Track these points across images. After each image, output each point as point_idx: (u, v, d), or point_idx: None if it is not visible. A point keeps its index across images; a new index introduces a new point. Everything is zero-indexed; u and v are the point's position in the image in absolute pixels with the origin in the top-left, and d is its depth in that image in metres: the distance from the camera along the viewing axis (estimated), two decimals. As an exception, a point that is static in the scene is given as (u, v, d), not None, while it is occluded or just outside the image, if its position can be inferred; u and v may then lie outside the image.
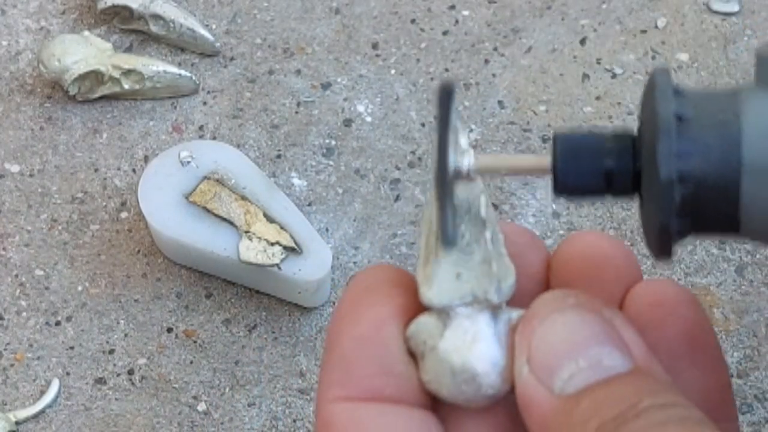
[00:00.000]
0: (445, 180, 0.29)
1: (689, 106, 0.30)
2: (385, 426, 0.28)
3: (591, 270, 0.30)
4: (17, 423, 0.64)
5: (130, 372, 0.65)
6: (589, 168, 0.30)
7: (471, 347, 0.28)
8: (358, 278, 0.30)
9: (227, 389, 0.65)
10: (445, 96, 0.29)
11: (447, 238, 0.29)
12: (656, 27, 0.78)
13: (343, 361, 0.28)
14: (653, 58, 0.76)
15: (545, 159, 0.31)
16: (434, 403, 0.29)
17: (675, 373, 0.29)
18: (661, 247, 0.29)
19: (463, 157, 0.30)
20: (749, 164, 0.28)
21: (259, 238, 0.65)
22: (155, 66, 0.74)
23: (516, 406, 0.28)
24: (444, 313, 0.29)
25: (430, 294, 0.29)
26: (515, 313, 0.29)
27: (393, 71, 0.76)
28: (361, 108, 0.75)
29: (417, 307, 0.29)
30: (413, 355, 0.29)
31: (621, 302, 0.30)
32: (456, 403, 0.29)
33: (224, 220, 0.66)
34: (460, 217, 0.30)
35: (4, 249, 0.70)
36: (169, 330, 0.67)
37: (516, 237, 0.31)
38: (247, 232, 0.65)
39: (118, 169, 0.72)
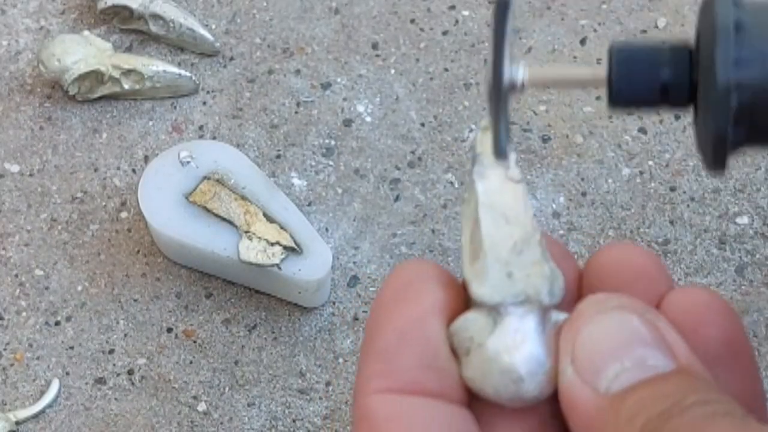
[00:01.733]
0: (500, 89, 0.29)
1: (748, 15, 0.30)
2: (425, 419, 0.28)
3: (623, 280, 0.30)
4: (17, 423, 0.64)
5: (130, 372, 0.65)
6: (645, 79, 0.30)
7: (520, 347, 0.28)
8: (398, 271, 0.30)
9: (227, 389, 0.65)
10: (502, 8, 0.29)
11: (499, 150, 0.29)
12: (656, 27, 0.78)
13: (384, 353, 0.28)
14: (653, 58, 0.76)
15: (600, 70, 0.31)
16: (470, 401, 0.29)
17: None
18: (716, 157, 0.30)
19: (517, 69, 0.30)
20: None
21: (259, 238, 0.65)
22: (155, 66, 0.74)
23: (549, 409, 0.29)
24: (494, 311, 0.29)
25: (482, 291, 0.29)
26: (561, 316, 0.29)
27: (393, 71, 0.76)
28: (360, 108, 0.75)
29: (458, 304, 0.30)
30: (454, 352, 0.29)
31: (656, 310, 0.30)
32: (498, 401, 0.29)
33: (224, 220, 0.66)
34: (510, 219, 0.30)
35: (4, 249, 0.70)
36: (169, 330, 0.67)
37: (549, 247, 0.31)
38: (247, 232, 0.65)
39: (118, 169, 0.72)
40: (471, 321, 0.29)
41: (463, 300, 0.30)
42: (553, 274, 0.29)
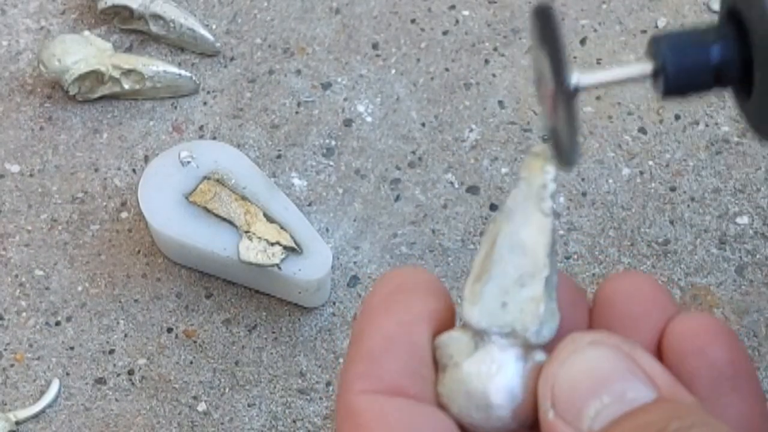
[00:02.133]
0: (567, 97, 0.28)
1: None
2: (408, 419, 0.28)
3: (630, 309, 0.31)
4: (17, 423, 0.64)
5: (130, 372, 0.65)
6: (697, 64, 0.30)
7: (493, 377, 0.28)
8: (389, 276, 0.30)
9: (227, 389, 0.65)
10: (548, 17, 0.29)
11: (572, 156, 0.29)
12: (656, 27, 0.78)
13: (370, 355, 0.29)
14: (653, 58, 0.76)
15: (647, 64, 0.31)
16: None
17: (714, 399, 0.29)
18: None
19: (574, 75, 0.30)
20: None
21: (259, 238, 0.65)
22: (155, 66, 0.74)
23: None
24: (478, 335, 0.29)
25: (472, 313, 0.29)
26: (543, 357, 0.29)
27: (393, 71, 0.76)
28: (361, 108, 0.75)
29: (447, 317, 0.30)
30: (436, 364, 0.29)
31: (661, 336, 0.30)
32: (461, 422, 0.29)
33: (224, 220, 0.66)
34: (527, 251, 0.30)
35: (4, 249, 0.70)
36: (169, 330, 0.67)
37: (561, 284, 0.31)
38: (247, 232, 0.65)
39: (118, 169, 0.72)
40: (454, 339, 0.29)
41: (452, 312, 0.30)
42: (547, 316, 0.29)
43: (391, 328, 0.29)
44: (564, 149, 0.29)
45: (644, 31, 0.77)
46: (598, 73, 0.30)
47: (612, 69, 0.31)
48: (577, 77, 0.29)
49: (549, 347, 0.29)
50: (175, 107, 0.75)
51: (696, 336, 0.30)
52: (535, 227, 0.31)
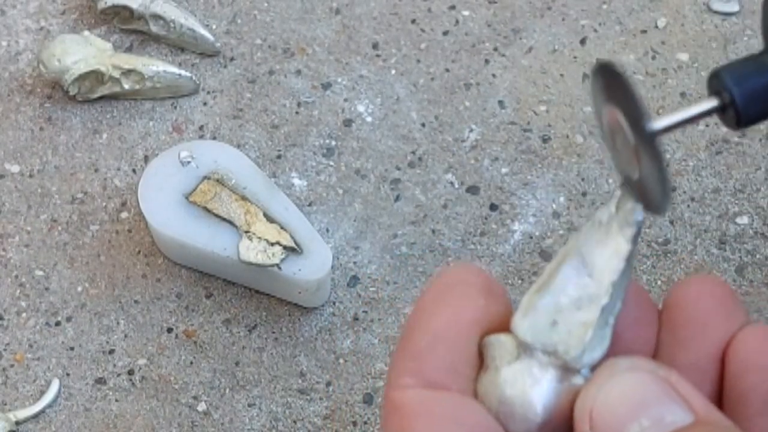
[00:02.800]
0: (650, 143, 0.29)
1: None
2: (450, 412, 0.29)
3: (698, 316, 0.31)
4: (17, 423, 0.63)
5: (130, 372, 0.65)
6: (765, 90, 0.30)
7: (527, 390, 0.29)
8: (444, 274, 0.31)
9: (227, 390, 0.65)
10: (614, 72, 0.29)
11: (664, 202, 0.29)
12: (656, 27, 0.78)
13: (416, 352, 0.29)
14: (653, 58, 0.76)
15: (712, 100, 0.31)
16: None
17: (766, 417, 0.30)
18: None
19: (650, 123, 0.30)
20: None
21: (259, 238, 0.65)
22: (155, 66, 0.74)
23: None
24: (522, 347, 0.29)
25: (520, 324, 0.29)
26: (582, 381, 0.29)
27: (393, 71, 0.76)
28: (361, 108, 0.74)
29: (498, 315, 0.30)
30: (482, 361, 0.30)
31: (727, 344, 0.31)
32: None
33: (224, 220, 0.66)
34: (594, 276, 0.30)
35: (4, 249, 0.70)
36: (169, 330, 0.67)
37: (636, 304, 0.31)
38: (247, 232, 0.65)
39: (118, 169, 0.72)
40: (500, 343, 0.30)
41: (504, 312, 0.30)
42: (594, 343, 0.29)
43: (439, 326, 0.29)
44: (654, 197, 0.29)
45: (644, 31, 0.77)
46: (670, 117, 0.30)
47: (681, 110, 0.31)
48: (654, 124, 0.29)
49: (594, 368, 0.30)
50: (175, 107, 0.75)
51: (761, 351, 0.30)
52: (611, 251, 0.30)
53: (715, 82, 0.31)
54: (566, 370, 0.29)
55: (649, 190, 0.29)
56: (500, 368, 0.29)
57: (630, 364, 0.29)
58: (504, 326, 0.30)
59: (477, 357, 0.30)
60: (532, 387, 0.29)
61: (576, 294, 0.30)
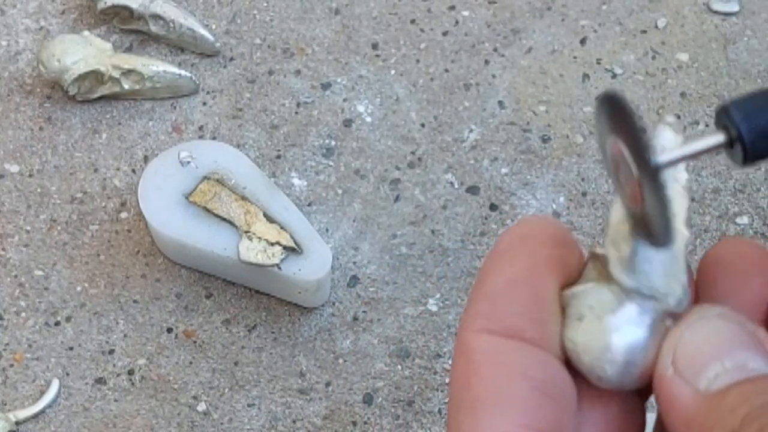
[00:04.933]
0: (654, 177, 0.29)
1: None
2: (520, 363, 0.28)
3: (734, 276, 0.31)
4: (17, 423, 0.63)
5: (130, 372, 0.65)
6: None
7: (634, 335, 0.29)
8: (519, 224, 0.31)
9: (227, 389, 0.65)
10: (618, 104, 0.29)
11: (667, 236, 0.29)
12: (656, 27, 0.78)
13: (492, 296, 0.29)
14: (653, 58, 0.76)
15: (719, 135, 0.31)
16: (566, 361, 0.30)
17: None
18: None
19: (654, 157, 0.31)
20: None
21: (259, 238, 0.65)
22: (155, 66, 0.74)
23: (632, 401, 0.30)
24: (623, 293, 0.29)
25: (621, 272, 0.30)
26: (671, 323, 0.30)
27: (393, 72, 0.76)
28: (361, 108, 0.74)
29: (572, 266, 0.30)
30: (563, 312, 0.30)
31: (766, 302, 0.31)
32: (587, 375, 0.30)
33: (224, 220, 0.66)
34: (670, 215, 0.30)
35: (3, 249, 0.70)
36: (169, 330, 0.67)
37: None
38: (247, 232, 0.65)
39: (118, 169, 0.72)
40: (596, 292, 0.30)
41: (577, 263, 0.30)
42: (686, 282, 0.30)
43: (516, 272, 0.29)
44: (657, 230, 0.29)
45: (644, 32, 0.77)
46: (675, 151, 0.31)
47: (687, 145, 0.31)
48: (658, 158, 0.30)
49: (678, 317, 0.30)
50: (175, 107, 0.75)
51: None
52: (674, 196, 0.31)
53: (723, 117, 0.31)
54: (665, 313, 0.30)
55: (652, 223, 0.30)
56: (603, 317, 0.29)
57: (720, 311, 0.29)
58: (578, 278, 0.30)
59: (555, 306, 0.30)
60: (639, 332, 0.29)
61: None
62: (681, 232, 0.31)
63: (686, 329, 0.29)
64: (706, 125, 0.73)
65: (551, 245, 0.30)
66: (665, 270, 0.30)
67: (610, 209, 0.31)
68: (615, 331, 0.29)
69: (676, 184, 0.31)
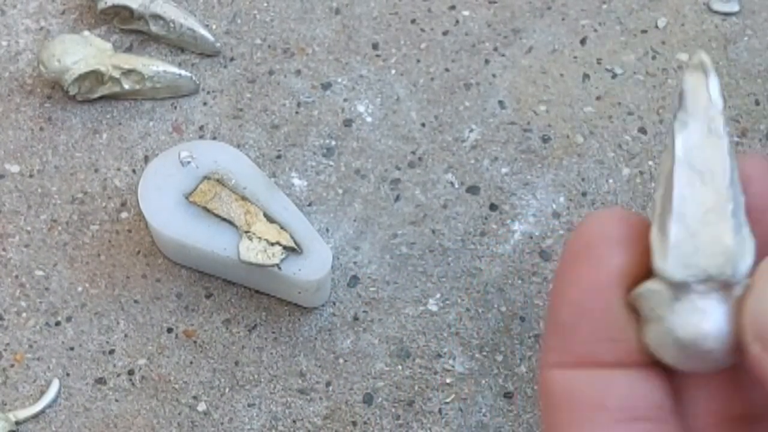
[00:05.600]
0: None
1: None
2: (600, 391, 0.27)
3: None
4: (17, 423, 0.63)
5: (130, 372, 0.65)
6: None
7: (700, 325, 0.27)
8: (580, 230, 0.29)
9: (227, 389, 0.65)
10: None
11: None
12: (656, 27, 0.78)
13: (559, 326, 0.28)
14: (653, 58, 0.76)
15: None
16: (653, 360, 0.29)
17: None
18: None
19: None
20: None
21: (259, 238, 0.65)
22: (155, 66, 0.74)
23: (736, 372, 0.28)
24: (675, 286, 0.28)
25: (664, 266, 0.28)
26: (743, 286, 0.28)
27: (393, 71, 0.76)
28: (361, 108, 0.74)
29: (643, 264, 0.29)
30: (637, 313, 0.28)
31: None
32: (677, 368, 0.28)
33: (224, 220, 0.66)
34: (706, 180, 0.28)
35: (4, 249, 0.70)
36: (169, 330, 0.67)
37: (756, 185, 0.29)
38: (247, 232, 0.65)
39: (118, 169, 0.72)
40: (652, 292, 0.28)
41: (648, 259, 0.29)
42: (740, 249, 0.28)
43: (580, 294, 0.28)
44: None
45: (644, 31, 0.77)
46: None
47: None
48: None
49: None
50: (175, 107, 0.75)
51: None
52: (710, 152, 0.28)
53: None
54: (726, 287, 0.27)
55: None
56: (664, 317, 0.28)
57: None
58: (649, 270, 0.29)
59: (625, 316, 0.28)
60: (704, 320, 0.27)
61: (700, 211, 0.28)
62: (726, 190, 0.28)
63: (758, 301, 0.27)
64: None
65: (617, 251, 0.28)
66: (710, 245, 0.28)
67: (656, 182, 0.29)
68: (680, 329, 0.27)
69: (710, 135, 0.29)
